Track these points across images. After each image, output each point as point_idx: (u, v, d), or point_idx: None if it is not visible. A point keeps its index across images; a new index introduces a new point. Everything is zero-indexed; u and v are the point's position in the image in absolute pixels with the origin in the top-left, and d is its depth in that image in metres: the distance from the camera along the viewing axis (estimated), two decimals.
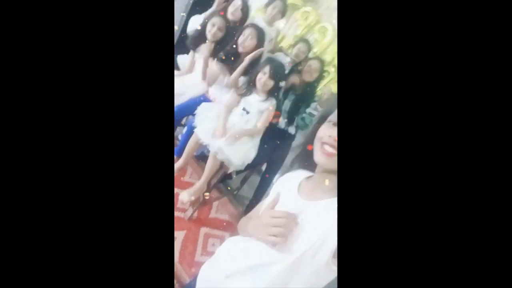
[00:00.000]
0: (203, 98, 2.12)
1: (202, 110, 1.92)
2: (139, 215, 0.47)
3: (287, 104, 2.14)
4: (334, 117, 0.69)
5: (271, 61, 1.83)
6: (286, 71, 1.99)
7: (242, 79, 1.97)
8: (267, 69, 1.79)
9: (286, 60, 2.13)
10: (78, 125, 0.45)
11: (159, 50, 0.49)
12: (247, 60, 1.92)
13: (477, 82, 0.41)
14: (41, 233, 0.44)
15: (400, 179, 0.43)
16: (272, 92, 1.84)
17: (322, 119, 0.72)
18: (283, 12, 2.26)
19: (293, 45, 2.25)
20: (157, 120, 0.48)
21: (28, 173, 0.43)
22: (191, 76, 2.18)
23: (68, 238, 0.45)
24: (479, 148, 0.41)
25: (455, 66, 0.42)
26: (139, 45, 0.48)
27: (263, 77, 1.80)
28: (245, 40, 1.92)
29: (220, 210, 2.19)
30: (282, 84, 1.93)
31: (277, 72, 1.80)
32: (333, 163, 0.64)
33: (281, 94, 2.04)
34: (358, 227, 0.45)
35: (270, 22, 2.27)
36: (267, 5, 2.25)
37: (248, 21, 2.10)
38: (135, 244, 0.46)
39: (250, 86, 1.88)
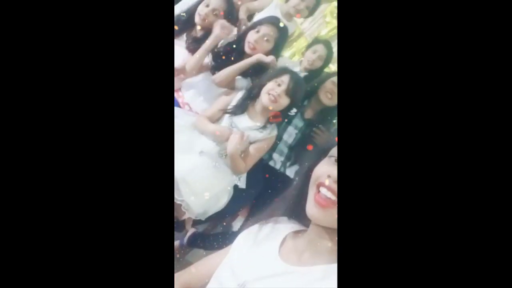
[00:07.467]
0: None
1: None
2: (136, 229, 0.49)
3: (290, 133, 1.48)
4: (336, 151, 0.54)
5: (290, 71, 1.27)
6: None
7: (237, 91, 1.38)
8: (284, 79, 1.23)
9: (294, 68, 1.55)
10: (77, 126, 0.48)
11: (157, 47, 0.50)
12: (255, 58, 1.35)
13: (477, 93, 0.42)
14: (34, 234, 0.46)
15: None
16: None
17: (323, 152, 0.58)
18: (312, 10, 1.67)
19: (307, 47, 1.68)
20: (156, 121, 0.50)
21: (26, 173, 0.46)
22: None
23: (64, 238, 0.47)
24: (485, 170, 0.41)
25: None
26: (137, 45, 0.50)
27: (276, 89, 1.21)
28: (259, 40, 1.35)
29: None
30: (293, 112, 1.40)
31: (296, 90, 1.24)
32: (330, 218, 0.50)
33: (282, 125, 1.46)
34: None
35: (290, 17, 1.69)
36: None
37: (267, 13, 1.59)
38: (133, 253, 0.48)
39: (245, 103, 1.30)
